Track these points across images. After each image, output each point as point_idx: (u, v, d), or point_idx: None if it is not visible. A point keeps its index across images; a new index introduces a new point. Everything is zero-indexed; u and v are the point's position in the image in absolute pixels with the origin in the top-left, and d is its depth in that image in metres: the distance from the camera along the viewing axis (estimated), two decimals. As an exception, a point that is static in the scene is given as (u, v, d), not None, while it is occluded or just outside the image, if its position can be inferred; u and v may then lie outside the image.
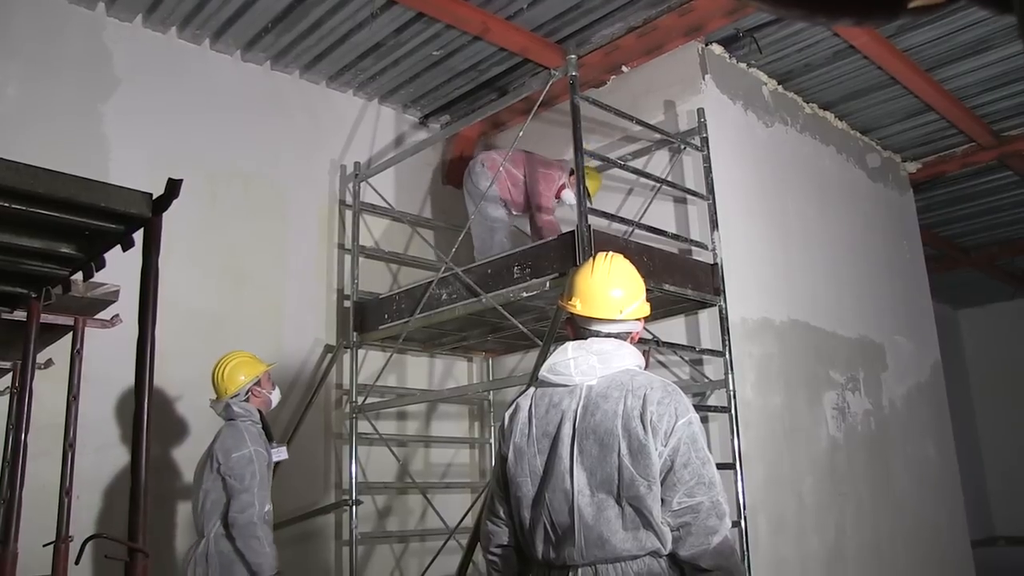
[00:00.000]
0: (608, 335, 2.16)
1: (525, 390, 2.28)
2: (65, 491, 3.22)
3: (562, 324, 2.78)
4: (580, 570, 2.00)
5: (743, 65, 4.93)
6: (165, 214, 1.82)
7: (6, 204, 1.66)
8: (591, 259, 2.29)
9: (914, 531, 5.27)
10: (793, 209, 5.02)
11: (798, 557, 4.26)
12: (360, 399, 4.75)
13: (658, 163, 4.68)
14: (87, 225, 1.85)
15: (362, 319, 4.80)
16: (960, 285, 9.61)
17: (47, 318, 2.91)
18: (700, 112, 4.46)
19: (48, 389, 3.38)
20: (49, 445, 3.26)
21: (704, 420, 4.07)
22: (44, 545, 3.07)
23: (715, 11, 4.31)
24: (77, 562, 1.94)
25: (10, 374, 3.36)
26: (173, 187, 1.77)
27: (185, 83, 4.64)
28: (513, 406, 2.24)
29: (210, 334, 4.31)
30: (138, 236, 1.88)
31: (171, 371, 4.04)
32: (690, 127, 4.51)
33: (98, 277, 2.19)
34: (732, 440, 3.95)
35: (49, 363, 3.59)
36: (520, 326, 4.01)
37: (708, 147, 4.40)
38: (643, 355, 2.19)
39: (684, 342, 4.38)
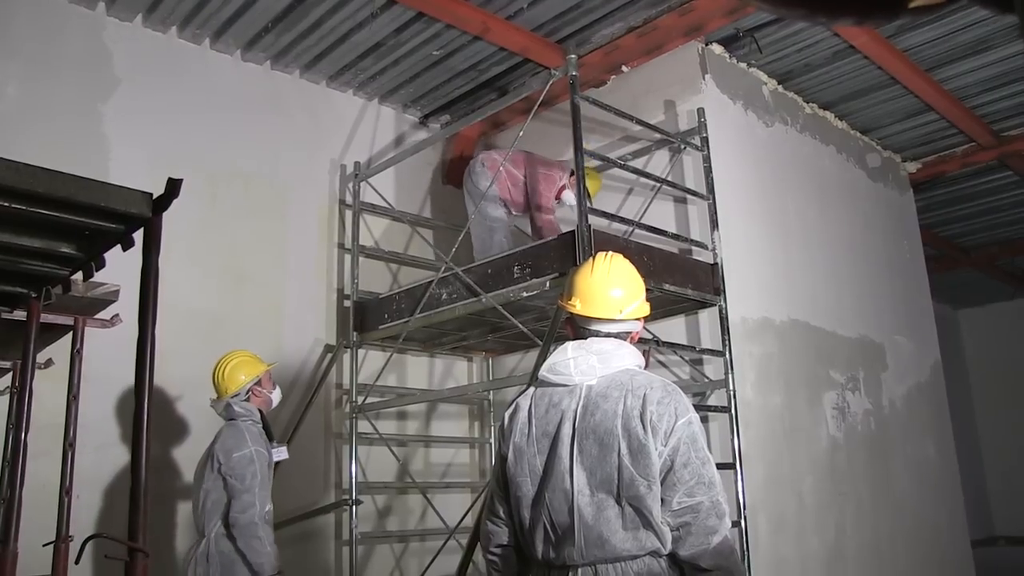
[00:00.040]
0: (608, 335, 2.16)
1: (525, 390, 2.28)
2: (65, 491, 3.22)
3: (562, 324, 2.78)
4: (580, 570, 2.00)
5: (743, 65, 4.93)
6: (165, 214, 1.82)
7: (6, 204, 1.66)
8: (591, 259, 2.29)
9: (914, 531, 5.27)
10: (793, 209, 5.02)
11: (798, 557, 4.26)
12: (360, 399, 4.75)
13: (658, 163, 4.68)
14: (87, 225, 1.85)
15: (362, 319, 4.81)
16: (960, 285, 9.61)
17: (47, 318, 2.92)
18: (700, 112, 4.46)
19: (48, 389, 3.38)
20: (49, 445, 3.26)
21: (704, 420, 4.07)
22: (44, 545, 3.07)
23: (715, 11, 4.31)
24: (77, 562, 1.94)
25: (10, 374, 3.36)
26: (173, 187, 1.77)
27: (185, 83, 4.64)
28: (513, 406, 2.24)
29: (210, 334, 4.31)
30: (138, 236, 1.88)
31: (171, 371, 4.04)
32: (690, 127, 4.51)
33: (98, 277, 2.19)
34: (732, 440, 3.95)
35: (49, 363, 3.59)
36: (520, 326, 4.01)
37: (708, 147, 4.40)
38: (643, 355, 2.19)
39: (684, 342, 4.38)
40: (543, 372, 2.17)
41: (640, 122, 4.29)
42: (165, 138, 4.46)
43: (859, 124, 5.80)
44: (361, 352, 4.87)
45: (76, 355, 3.27)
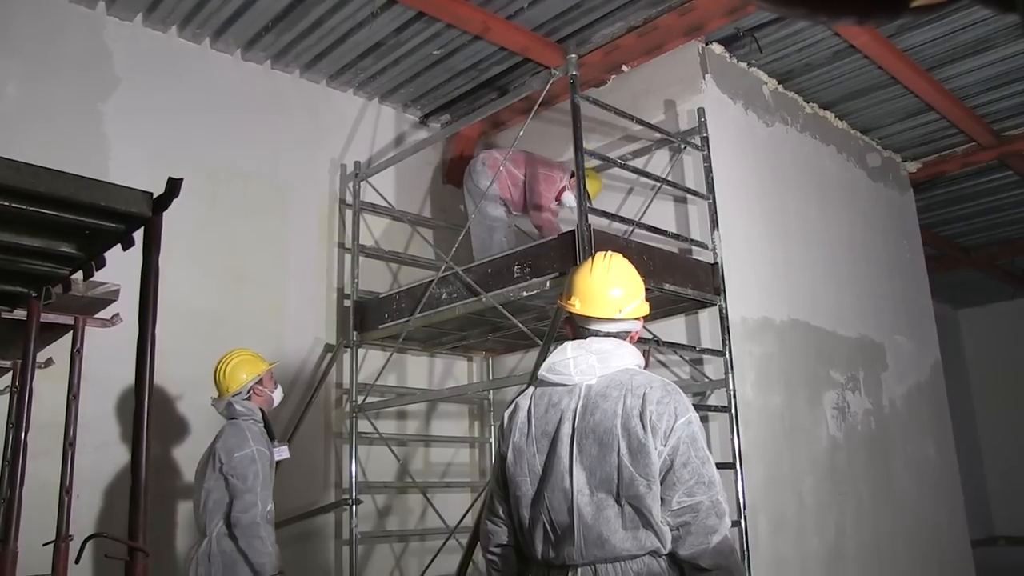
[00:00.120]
0: (607, 334, 2.16)
1: (524, 389, 2.28)
2: (65, 490, 3.22)
3: (562, 324, 2.78)
4: (579, 569, 2.00)
5: (743, 65, 4.93)
6: (165, 213, 1.82)
7: (6, 203, 1.66)
8: (590, 258, 2.29)
9: (914, 531, 5.27)
10: (793, 209, 5.02)
11: (798, 557, 4.26)
12: (360, 398, 4.75)
13: (658, 162, 4.68)
14: (87, 224, 1.85)
15: (362, 318, 4.80)
16: (960, 285, 9.61)
17: (47, 317, 2.91)
18: (700, 112, 4.46)
19: (48, 388, 3.37)
20: (49, 444, 3.26)
21: (704, 420, 4.07)
22: (44, 544, 3.07)
23: (715, 10, 4.31)
24: (77, 561, 1.93)
25: (10, 373, 3.36)
26: (173, 186, 1.77)
27: (185, 82, 4.64)
28: (512, 406, 2.24)
29: (210, 333, 4.31)
30: (138, 235, 1.88)
31: (171, 370, 4.04)
32: (690, 126, 4.51)
33: (98, 276, 2.19)
34: (732, 440, 3.95)
35: (49, 362, 3.59)
36: (520, 325, 4.01)
37: (708, 147, 4.40)
38: (643, 354, 2.19)
39: (684, 342, 4.38)
40: (542, 372, 2.17)
41: (640, 122, 4.29)
42: (165, 138, 4.46)
43: (859, 124, 5.80)
44: (361, 352, 4.87)
45: (76, 354, 3.27)
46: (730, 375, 4.08)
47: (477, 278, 4.12)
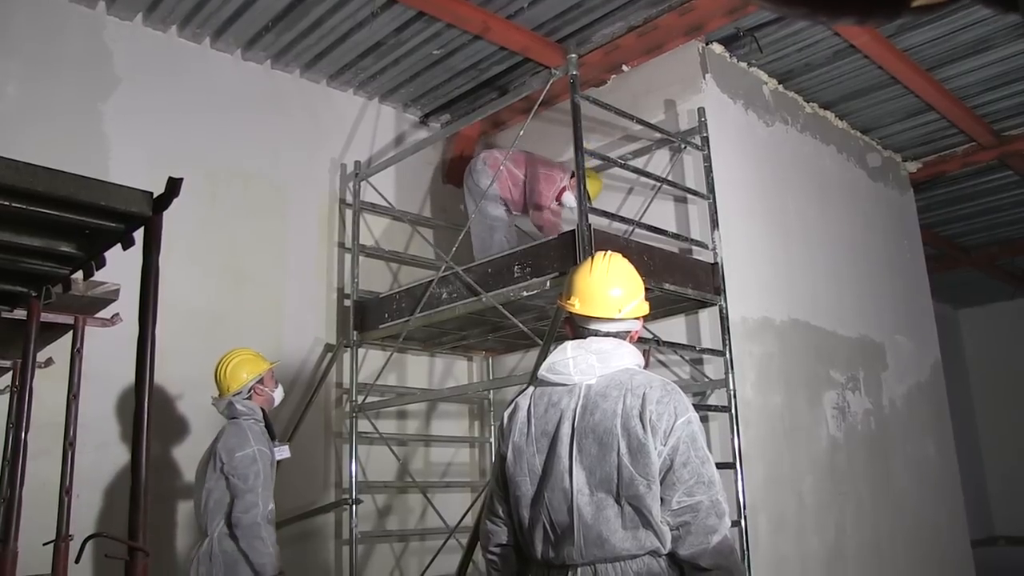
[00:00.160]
0: (607, 334, 2.16)
1: (524, 389, 2.28)
2: (65, 490, 3.21)
3: (561, 323, 2.78)
4: (579, 569, 2.00)
5: (743, 64, 4.93)
6: (165, 213, 1.82)
7: (6, 203, 1.66)
8: (590, 258, 2.29)
9: (914, 531, 5.27)
10: (793, 208, 5.02)
11: (798, 556, 4.26)
12: (360, 398, 4.75)
13: (658, 162, 4.68)
14: (87, 224, 1.85)
15: (362, 318, 4.80)
16: (960, 285, 9.61)
17: (47, 317, 2.91)
18: (700, 111, 4.46)
19: (48, 388, 3.37)
20: (49, 444, 3.26)
21: (704, 420, 4.07)
22: (44, 544, 3.07)
23: (715, 10, 4.31)
24: (77, 561, 1.93)
25: (10, 373, 3.36)
26: (173, 186, 1.77)
27: (185, 82, 4.64)
28: (512, 405, 2.24)
29: (210, 333, 4.31)
30: (138, 235, 1.88)
31: (171, 370, 4.04)
32: (690, 126, 4.51)
33: (98, 276, 2.19)
34: (732, 439, 3.95)
35: (49, 362, 3.59)
36: (520, 325, 4.01)
37: (708, 146, 4.40)
38: (643, 354, 2.19)
39: (684, 341, 4.38)
40: (542, 371, 2.17)
41: (640, 121, 4.29)
42: (165, 137, 4.46)
43: (859, 124, 5.80)
44: (361, 351, 4.87)
45: (76, 354, 3.27)
46: (730, 375, 4.08)
47: (477, 278, 4.12)
